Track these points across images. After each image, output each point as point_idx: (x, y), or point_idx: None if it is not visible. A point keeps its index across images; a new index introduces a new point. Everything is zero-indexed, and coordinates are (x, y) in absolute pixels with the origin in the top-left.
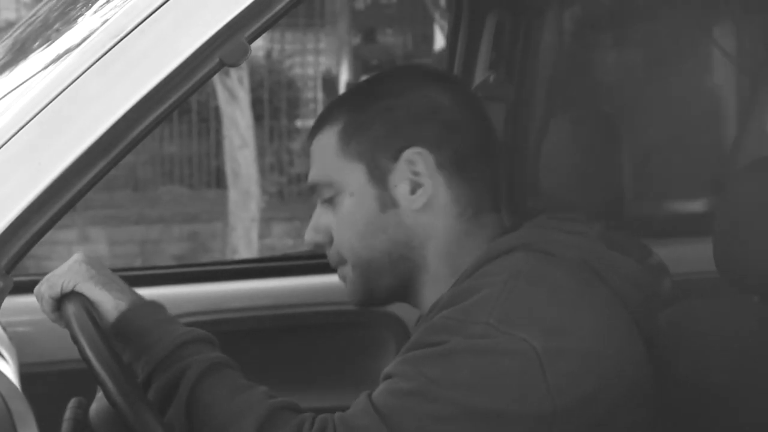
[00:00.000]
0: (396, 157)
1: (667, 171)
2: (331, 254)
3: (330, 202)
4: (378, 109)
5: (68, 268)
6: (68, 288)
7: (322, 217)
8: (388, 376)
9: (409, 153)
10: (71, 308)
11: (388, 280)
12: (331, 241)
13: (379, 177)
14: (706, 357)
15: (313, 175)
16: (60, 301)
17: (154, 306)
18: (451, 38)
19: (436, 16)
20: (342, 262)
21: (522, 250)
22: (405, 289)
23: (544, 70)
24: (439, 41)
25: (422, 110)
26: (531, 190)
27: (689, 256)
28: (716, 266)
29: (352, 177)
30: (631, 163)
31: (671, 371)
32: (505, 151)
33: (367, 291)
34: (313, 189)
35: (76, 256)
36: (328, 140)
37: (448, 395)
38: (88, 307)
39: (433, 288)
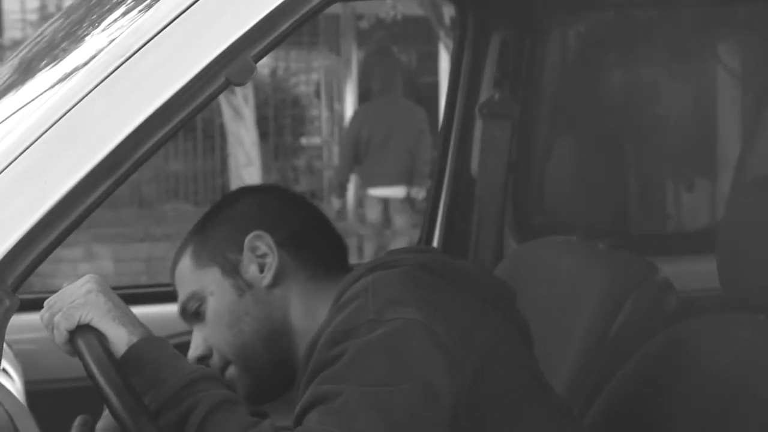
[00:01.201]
0: (241, 248)
1: (671, 188)
2: (214, 362)
3: (198, 315)
4: (217, 221)
5: (85, 300)
6: (85, 321)
7: (197, 335)
8: (311, 405)
9: (250, 239)
10: (87, 342)
11: (267, 357)
12: (211, 351)
13: (231, 269)
14: (711, 374)
15: (180, 300)
16: (73, 333)
17: (162, 342)
18: (456, 57)
19: (441, 34)
20: (225, 364)
21: (371, 272)
22: (287, 361)
23: (549, 88)
24: (444, 60)
25: (253, 207)
26: (536, 208)
27: (694, 274)
28: (721, 283)
29: (209, 279)
30: (635, 182)
31: (677, 385)
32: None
33: (254, 381)
34: (184, 313)
35: (90, 285)
36: (183, 264)
37: (377, 393)
38: (103, 341)
39: (305, 343)
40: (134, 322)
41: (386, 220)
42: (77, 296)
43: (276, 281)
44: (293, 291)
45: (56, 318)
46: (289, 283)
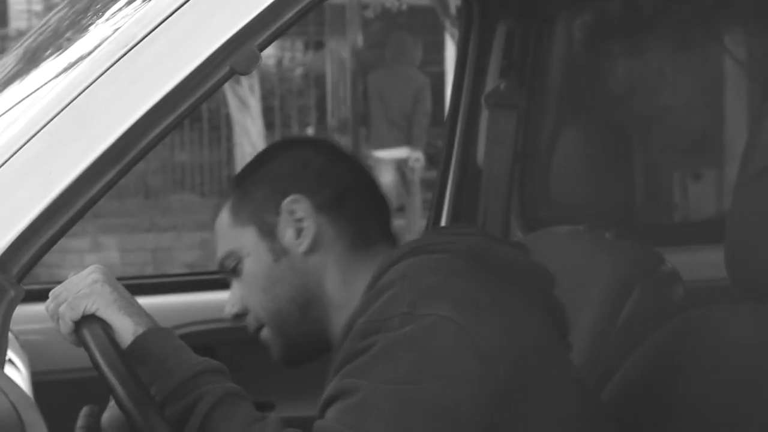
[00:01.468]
0: (278, 211)
1: (678, 178)
2: (249, 321)
3: (236, 272)
4: (256, 177)
5: (91, 290)
6: (90, 311)
7: (235, 290)
8: (333, 398)
9: (287, 202)
10: (92, 333)
11: (302, 326)
12: (246, 310)
13: (268, 232)
14: (719, 364)
15: (218, 253)
16: (78, 323)
17: (168, 333)
18: (462, 46)
19: (447, 24)
20: (259, 325)
21: (414, 254)
22: (321, 331)
23: (555, 78)
24: (450, 50)
25: (295, 165)
26: (542, 198)
27: (701, 264)
28: (728, 273)
29: (246, 239)
30: (642, 172)
31: (684, 376)
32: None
33: (287, 345)
34: (222, 268)
35: (95, 275)
36: (222, 219)
37: (400, 391)
38: (108, 331)
39: (342, 317)
40: (140, 312)
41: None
42: (82, 286)
43: (313, 248)
44: (330, 260)
45: (61, 308)
46: (327, 251)
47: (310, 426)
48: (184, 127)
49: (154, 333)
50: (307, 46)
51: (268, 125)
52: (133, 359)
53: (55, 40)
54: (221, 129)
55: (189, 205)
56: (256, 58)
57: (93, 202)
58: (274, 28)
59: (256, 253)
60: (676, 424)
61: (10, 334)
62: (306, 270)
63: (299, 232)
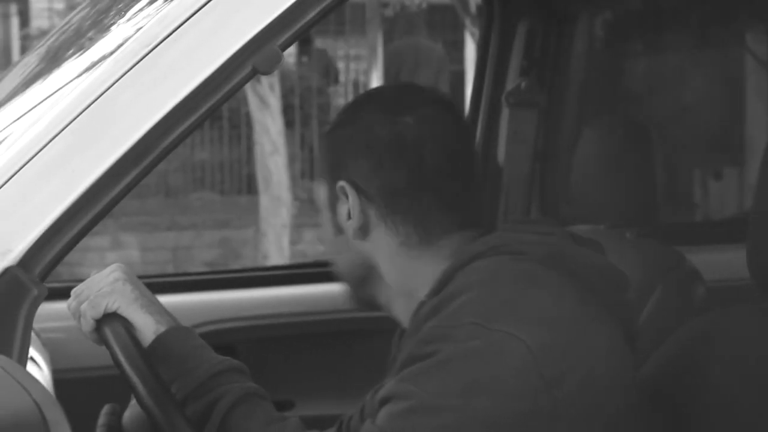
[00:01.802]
0: (335, 187)
1: (699, 177)
2: None
3: None
4: (331, 137)
5: (112, 288)
6: (112, 309)
7: None
8: (387, 399)
9: (339, 186)
10: (114, 331)
11: (363, 292)
12: None
13: (332, 201)
14: (740, 364)
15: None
16: (100, 321)
17: (189, 332)
18: (483, 45)
19: (467, 22)
20: None
21: (491, 253)
22: (381, 306)
23: (576, 76)
24: (470, 48)
25: (359, 144)
26: (563, 197)
27: (723, 263)
28: (750, 273)
29: (321, 194)
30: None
31: (705, 376)
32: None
33: (353, 298)
34: None
35: (117, 274)
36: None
37: (450, 405)
38: (130, 329)
39: (401, 304)
40: (161, 311)
41: None
42: (104, 285)
43: (362, 235)
44: (383, 253)
45: (83, 306)
46: (379, 243)
47: (329, 425)
48: (205, 125)
49: (175, 332)
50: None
51: (288, 123)
52: (154, 358)
53: (77, 40)
54: (241, 127)
55: (209, 203)
56: (278, 58)
57: (115, 201)
58: (296, 27)
59: (325, 219)
60: (697, 423)
61: (32, 333)
62: (360, 252)
63: (349, 217)
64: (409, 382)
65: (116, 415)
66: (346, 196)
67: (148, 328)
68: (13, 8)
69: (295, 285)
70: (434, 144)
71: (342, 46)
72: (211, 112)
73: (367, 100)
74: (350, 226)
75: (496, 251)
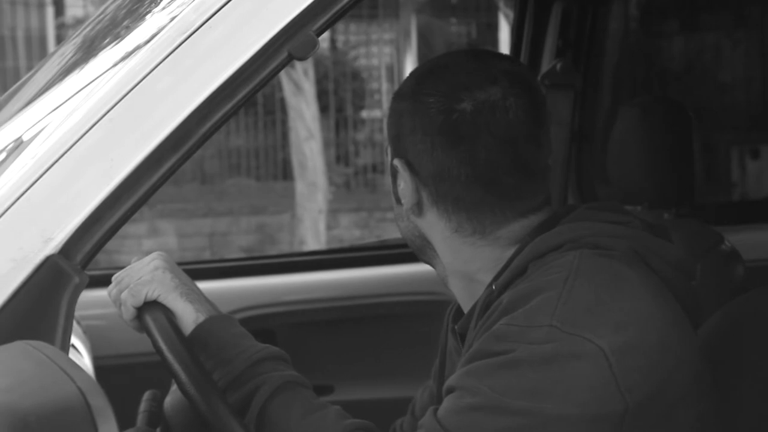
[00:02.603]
0: (394, 159)
1: (736, 156)
2: None
3: None
4: (395, 108)
5: (152, 277)
6: (152, 297)
7: None
8: (451, 390)
9: (396, 161)
10: (154, 319)
11: (425, 259)
12: None
13: (393, 171)
14: None
15: None
16: (140, 309)
17: (229, 320)
18: (517, 27)
19: (501, 4)
20: None
21: (570, 246)
22: (438, 274)
23: (612, 57)
24: (504, 30)
25: (414, 123)
26: (599, 178)
27: (761, 242)
28: None
29: (388, 158)
30: (699, 150)
31: (744, 356)
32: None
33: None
34: None
35: (157, 262)
36: None
37: (516, 405)
38: (170, 317)
39: (458, 284)
40: (201, 299)
41: None
42: (144, 273)
43: (416, 212)
44: (437, 235)
45: (123, 295)
46: (433, 225)
47: (368, 409)
48: (240, 112)
49: (214, 320)
50: None
51: (323, 109)
52: (195, 346)
53: (113, 29)
54: (276, 113)
55: (245, 189)
56: (313, 44)
57: (154, 189)
58: (331, 13)
59: (391, 184)
60: (737, 404)
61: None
62: (417, 227)
63: (405, 193)
64: (476, 377)
65: (157, 401)
66: (399, 173)
67: (188, 316)
68: None
69: (332, 270)
70: (491, 137)
71: (375, 30)
72: (248, 98)
73: (431, 72)
74: (405, 202)
75: (574, 244)
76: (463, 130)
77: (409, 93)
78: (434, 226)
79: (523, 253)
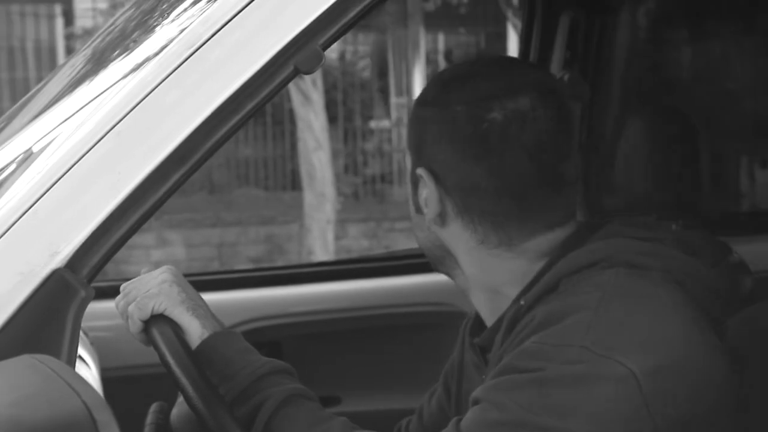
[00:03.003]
0: (417, 167)
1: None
2: None
3: None
4: (418, 115)
5: (159, 290)
6: (159, 311)
7: None
8: (477, 402)
9: (420, 170)
10: (161, 332)
11: (441, 269)
12: None
13: (414, 179)
14: None
15: None
16: (147, 322)
17: (234, 335)
18: (525, 37)
19: (509, 14)
20: None
21: (605, 264)
22: (459, 286)
23: (619, 68)
24: (513, 40)
25: (440, 132)
26: (606, 188)
27: None
28: None
29: (408, 164)
30: (707, 160)
31: (753, 368)
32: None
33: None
34: None
35: (165, 275)
36: None
37: (542, 423)
38: (177, 331)
39: (482, 297)
40: (207, 314)
41: None
42: (151, 286)
43: (439, 222)
44: (460, 247)
45: (130, 308)
46: (457, 236)
47: (376, 420)
48: (249, 122)
49: (219, 336)
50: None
51: (332, 119)
52: (200, 362)
53: (122, 41)
54: (285, 124)
55: (253, 199)
56: (319, 58)
57: (161, 202)
58: (337, 27)
59: (410, 192)
60: (746, 417)
61: (80, 332)
62: (438, 237)
63: (427, 202)
64: (504, 392)
65: (164, 413)
66: (422, 182)
67: (193, 331)
68: (58, 8)
69: (340, 281)
70: (521, 148)
71: (383, 40)
72: (254, 111)
73: (457, 78)
74: (428, 212)
75: (608, 262)
76: (492, 141)
77: (434, 100)
78: (458, 237)
79: (555, 269)
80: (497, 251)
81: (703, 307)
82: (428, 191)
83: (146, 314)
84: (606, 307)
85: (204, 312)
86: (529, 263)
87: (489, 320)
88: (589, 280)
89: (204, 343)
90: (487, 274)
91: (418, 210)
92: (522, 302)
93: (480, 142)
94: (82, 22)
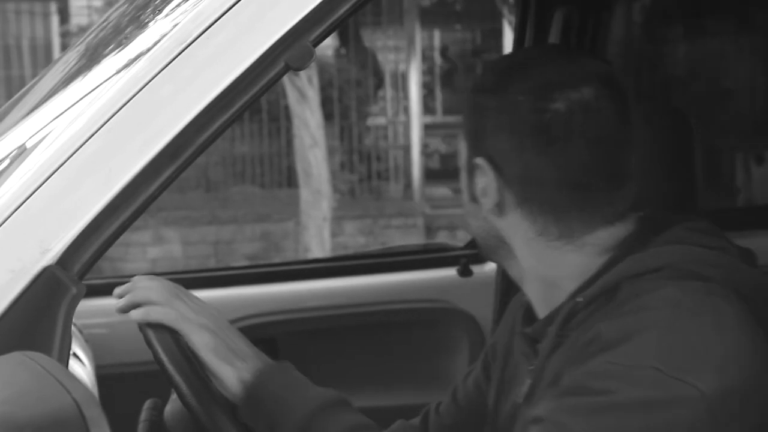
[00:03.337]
0: (474, 157)
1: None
2: None
3: None
4: (474, 100)
5: (189, 328)
6: (170, 326)
7: None
8: (539, 420)
9: (479, 160)
10: (155, 330)
11: (494, 259)
12: None
13: (470, 168)
14: None
15: None
16: (148, 325)
17: (280, 368)
18: (519, 34)
19: (505, 11)
20: None
21: (668, 271)
22: (512, 276)
23: (614, 63)
24: (509, 37)
25: (501, 121)
26: None
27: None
28: None
29: (462, 153)
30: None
31: None
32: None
33: (484, 255)
34: None
35: (203, 320)
36: None
37: None
38: (173, 332)
39: (537, 289)
40: (245, 354)
41: None
42: (191, 313)
43: (497, 213)
44: (518, 237)
45: (145, 309)
46: (514, 225)
47: (373, 417)
48: (244, 119)
49: (263, 375)
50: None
51: (327, 116)
52: (249, 408)
53: (115, 37)
54: (280, 121)
55: (249, 197)
56: (310, 54)
57: (152, 198)
58: (328, 23)
59: (462, 179)
60: None
61: (75, 329)
62: (495, 227)
63: (485, 192)
64: (569, 414)
65: (158, 409)
66: (484, 171)
67: (230, 378)
68: (53, 6)
69: (336, 277)
70: (584, 139)
71: (380, 37)
72: (245, 108)
73: (519, 66)
74: (485, 201)
75: (674, 271)
76: (555, 131)
77: (494, 88)
78: (516, 227)
79: (617, 269)
80: (557, 243)
81: (759, 318)
82: (487, 181)
83: (154, 321)
84: (676, 326)
85: (241, 354)
86: (589, 258)
87: (542, 312)
88: (656, 293)
89: (249, 387)
90: (545, 266)
91: (473, 199)
92: (579, 298)
93: (542, 133)
94: (78, 19)
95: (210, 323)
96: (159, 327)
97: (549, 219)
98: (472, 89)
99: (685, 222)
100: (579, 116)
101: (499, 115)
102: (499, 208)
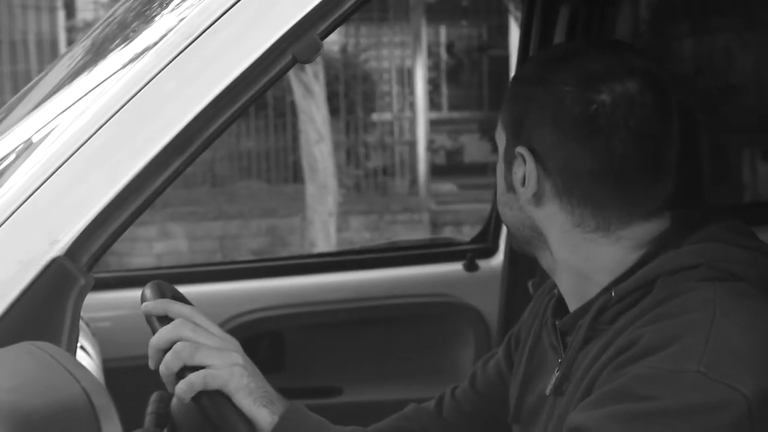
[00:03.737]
0: (514, 147)
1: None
2: None
3: None
4: (517, 89)
5: (230, 372)
6: (215, 387)
7: None
8: (579, 429)
9: (521, 149)
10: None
11: (526, 250)
12: None
13: (509, 158)
14: None
15: None
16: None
17: (300, 412)
18: (525, 29)
19: (511, 7)
20: None
21: (704, 270)
22: (544, 267)
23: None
24: (515, 33)
25: (545, 112)
26: None
27: None
28: None
29: (500, 142)
30: (710, 152)
31: None
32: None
33: (515, 245)
34: None
35: (237, 357)
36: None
37: None
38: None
39: (569, 280)
40: (272, 399)
41: None
42: (217, 362)
43: (536, 203)
44: (555, 228)
45: (192, 377)
46: (553, 217)
47: (378, 411)
48: (250, 114)
49: (289, 419)
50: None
51: (333, 111)
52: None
53: (121, 32)
54: (286, 116)
55: (255, 192)
56: (317, 47)
57: (159, 191)
58: (335, 16)
59: (499, 168)
60: None
61: (82, 322)
62: (530, 217)
63: (525, 181)
64: (614, 421)
65: (164, 402)
66: (524, 161)
67: (263, 420)
68: (59, 1)
69: (342, 272)
70: (627, 132)
71: (386, 32)
72: (252, 101)
73: (563, 57)
74: (524, 191)
75: (710, 269)
76: (600, 123)
77: (538, 78)
78: (553, 218)
79: (653, 265)
80: (593, 236)
81: None
82: (527, 170)
83: (202, 388)
84: (718, 329)
85: (269, 398)
86: (624, 252)
87: (573, 304)
88: (693, 295)
89: (276, 430)
90: (579, 258)
91: (510, 188)
92: (613, 293)
93: (587, 124)
94: (84, 14)
95: (239, 359)
96: (216, 396)
97: (587, 211)
98: (514, 79)
99: (721, 221)
100: (623, 109)
101: (543, 105)
102: (537, 198)
